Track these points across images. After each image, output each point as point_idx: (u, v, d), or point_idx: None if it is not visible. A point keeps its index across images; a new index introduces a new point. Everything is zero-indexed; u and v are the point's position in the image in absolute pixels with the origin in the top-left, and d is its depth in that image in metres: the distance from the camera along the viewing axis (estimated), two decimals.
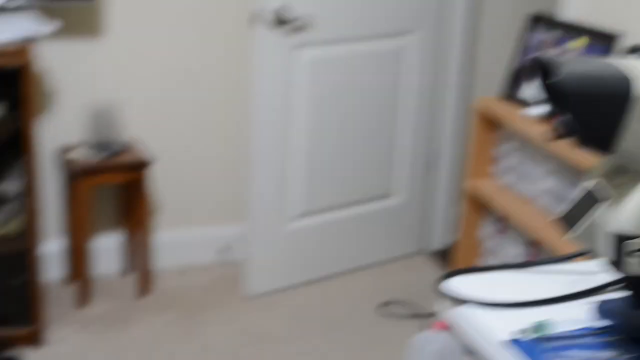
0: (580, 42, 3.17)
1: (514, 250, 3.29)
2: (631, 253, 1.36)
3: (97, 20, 3.86)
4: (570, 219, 1.48)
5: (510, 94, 3.33)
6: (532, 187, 3.19)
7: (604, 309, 1.58)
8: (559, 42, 3.24)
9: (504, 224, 3.37)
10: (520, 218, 3.11)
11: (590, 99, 1.36)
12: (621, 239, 1.37)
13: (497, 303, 1.61)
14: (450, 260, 4.16)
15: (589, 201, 1.46)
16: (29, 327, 3.51)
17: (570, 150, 2.86)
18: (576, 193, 1.50)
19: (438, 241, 4.61)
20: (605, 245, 1.42)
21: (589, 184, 1.49)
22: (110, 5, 3.86)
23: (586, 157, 2.79)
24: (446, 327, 3.23)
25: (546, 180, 3.09)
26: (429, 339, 3.23)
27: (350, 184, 4.20)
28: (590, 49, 3.12)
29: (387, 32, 4.08)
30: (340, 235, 4.23)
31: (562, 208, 1.52)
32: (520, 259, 3.24)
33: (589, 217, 1.44)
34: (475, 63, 4.49)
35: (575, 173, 2.95)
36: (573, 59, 1.42)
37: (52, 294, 3.90)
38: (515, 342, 1.49)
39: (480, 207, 3.47)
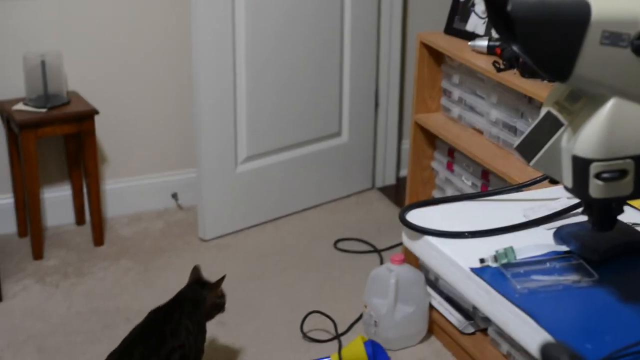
0: None
1: (465, 182, 3.33)
2: (591, 177, 1.39)
3: None
4: (528, 147, 1.50)
5: (454, 27, 3.35)
6: (480, 118, 3.22)
7: (564, 234, 1.61)
8: None
9: (454, 156, 3.40)
10: (471, 149, 3.14)
11: (544, 26, 1.35)
12: (581, 164, 1.39)
13: (459, 232, 1.64)
14: (403, 195, 4.20)
15: (547, 128, 1.48)
16: None
17: (516, 79, 2.89)
18: (535, 121, 1.52)
19: (390, 176, 4.65)
20: (564, 171, 1.45)
21: (545, 111, 1.50)
22: None
23: (532, 86, 2.82)
24: (404, 260, 3.29)
25: (494, 110, 3.12)
26: (388, 272, 3.29)
27: (299, 124, 4.20)
28: None
29: None
30: (292, 176, 4.25)
31: (521, 137, 1.54)
32: (472, 191, 3.28)
33: (547, 144, 1.46)
34: None
35: (522, 103, 2.98)
36: None
37: (6, 248, 3.89)
38: (481, 270, 1.52)
39: (429, 140, 3.49)
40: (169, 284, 3.67)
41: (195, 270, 3.02)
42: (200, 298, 2.91)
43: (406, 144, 4.59)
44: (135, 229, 4.12)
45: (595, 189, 1.39)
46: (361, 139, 4.48)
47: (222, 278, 2.99)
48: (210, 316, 2.96)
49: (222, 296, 2.98)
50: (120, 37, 4.02)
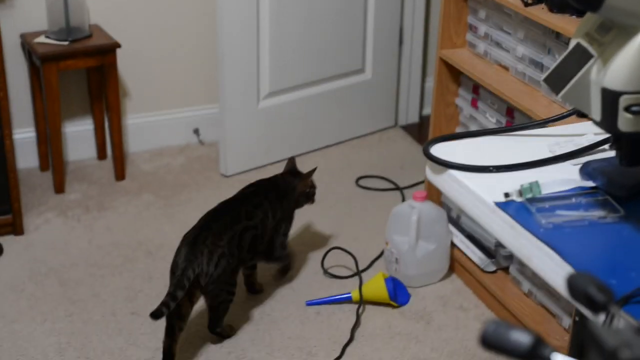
0: None
1: (490, 119, 3.29)
2: (621, 110, 1.36)
3: None
4: (557, 79, 1.47)
5: None
6: (506, 54, 3.17)
7: (590, 170, 1.59)
8: None
9: (478, 93, 3.36)
10: (496, 86, 3.10)
11: None
12: (610, 96, 1.36)
13: (484, 167, 1.61)
14: (426, 133, 4.17)
15: (576, 60, 1.44)
16: (7, 215, 3.50)
17: (544, 14, 2.84)
18: (564, 53, 1.48)
19: (413, 114, 4.60)
20: (593, 104, 1.41)
21: (574, 43, 1.47)
22: None
23: (560, 21, 2.77)
24: (426, 197, 3.27)
25: (520, 46, 3.07)
26: (410, 209, 3.27)
27: (322, 60, 4.16)
28: None
29: None
30: (314, 112, 4.21)
31: (549, 69, 1.51)
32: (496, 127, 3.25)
33: (576, 76, 1.43)
34: None
35: (549, 38, 2.93)
36: None
37: (28, 182, 3.89)
38: (506, 204, 1.50)
39: (454, 77, 3.45)
40: (189, 219, 3.66)
41: (290, 161, 3.28)
42: (290, 187, 3.17)
43: (430, 82, 4.55)
44: (157, 164, 4.11)
45: (625, 122, 1.37)
46: (385, 76, 4.43)
47: (313, 170, 3.24)
48: (299, 204, 3.22)
49: (312, 187, 3.23)
50: None
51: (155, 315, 2.67)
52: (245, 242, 2.93)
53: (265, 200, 3.05)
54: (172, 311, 2.74)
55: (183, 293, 2.73)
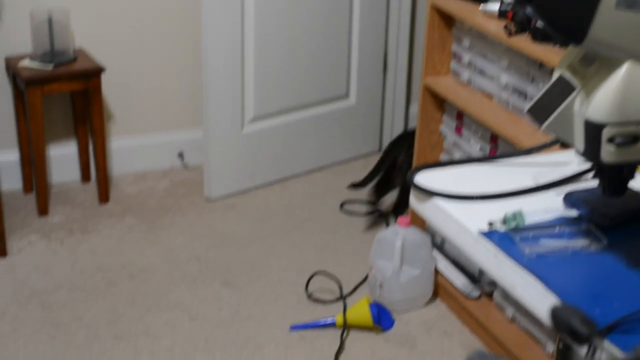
0: None
1: (473, 147, 3.31)
2: (604, 141, 1.37)
3: None
4: (540, 111, 1.49)
5: None
6: (490, 82, 3.19)
7: (573, 199, 1.60)
8: None
9: (462, 120, 3.38)
10: (480, 114, 3.12)
11: None
12: (593, 128, 1.38)
13: (468, 195, 1.62)
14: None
15: (559, 92, 1.46)
16: None
17: (527, 44, 2.87)
18: (547, 84, 1.50)
19: None
20: (576, 135, 1.43)
21: (558, 74, 1.48)
22: None
23: (543, 51, 2.80)
24: (410, 223, 3.29)
25: (504, 75, 3.09)
26: (394, 234, 3.28)
27: (306, 86, 4.18)
28: None
29: None
30: (299, 137, 4.23)
31: (533, 100, 1.53)
32: (480, 155, 3.27)
33: (559, 107, 1.45)
34: None
35: (533, 67, 2.96)
36: None
37: (12, 204, 3.88)
38: (489, 233, 1.51)
39: (438, 104, 3.47)
40: (173, 243, 3.68)
41: None
42: None
43: (414, 108, 4.57)
44: (141, 187, 4.11)
45: (608, 153, 1.38)
46: (369, 102, 4.46)
47: None
48: None
49: None
50: None
51: (358, 185, 3.85)
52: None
53: None
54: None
55: (383, 169, 3.86)
